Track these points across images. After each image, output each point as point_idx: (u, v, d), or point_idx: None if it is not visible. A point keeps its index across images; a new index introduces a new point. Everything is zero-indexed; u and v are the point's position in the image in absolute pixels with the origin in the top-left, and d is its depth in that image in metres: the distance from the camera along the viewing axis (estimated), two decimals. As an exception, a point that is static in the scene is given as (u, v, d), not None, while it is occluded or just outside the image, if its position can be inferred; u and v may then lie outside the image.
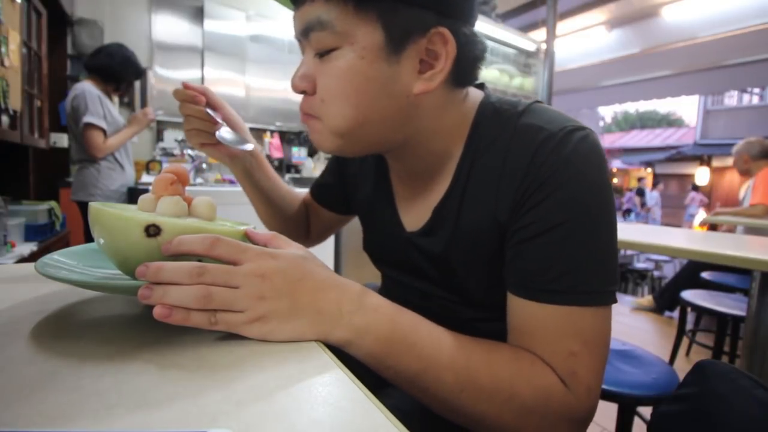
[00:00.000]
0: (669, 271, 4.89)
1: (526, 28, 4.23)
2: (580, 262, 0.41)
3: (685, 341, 2.20)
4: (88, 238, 1.57)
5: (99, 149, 1.92)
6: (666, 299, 2.90)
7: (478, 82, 0.53)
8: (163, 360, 0.30)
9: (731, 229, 2.65)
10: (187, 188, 0.42)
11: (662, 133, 16.98)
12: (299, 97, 0.49)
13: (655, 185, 11.27)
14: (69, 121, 1.97)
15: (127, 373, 0.28)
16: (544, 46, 2.90)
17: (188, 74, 3.03)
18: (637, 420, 0.95)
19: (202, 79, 3.05)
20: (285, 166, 3.37)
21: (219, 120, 0.61)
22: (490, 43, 2.84)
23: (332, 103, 0.45)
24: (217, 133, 0.60)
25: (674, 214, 11.76)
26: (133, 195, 2.11)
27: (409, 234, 0.56)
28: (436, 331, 0.41)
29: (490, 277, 0.49)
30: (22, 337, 0.33)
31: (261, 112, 3.32)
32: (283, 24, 3.39)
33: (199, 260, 0.34)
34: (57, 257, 0.41)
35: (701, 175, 11.74)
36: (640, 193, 10.88)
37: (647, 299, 3.08)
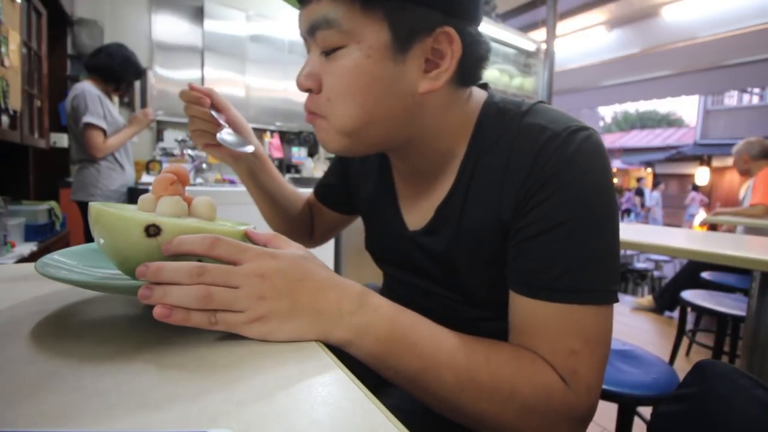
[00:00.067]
0: (669, 271, 4.89)
1: (526, 28, 4.23)
2: (582, 260, 0.41)
3: (685, 341, 2.20)
4: (88, 238, 1.57)
5: (99, 149, 1.92)
6: (666, 299, 2.90)
7: (480, 82, 0.53)
8: (163, 360, 0.30)
9: (731, 229, 2.65)
10: (187, 188, 0.42)
11: (662, 133, 16.98)
12: (299, 97, 0.49)
13: (655, 185, 11.25)
14: (69, 121, 1.97)
15: (128, 373, 0.28)
16: (544, 46, 2.90)
17: (188, 74, 3.03)
18: (637, 420, 0.95)
19: (202, 79, 3.05)
20: (285, 166, 3.37)
21: (222, 122, 0.61)
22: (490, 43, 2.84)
23: (338, 102, 0.45)
24: (217, 135, 0.60)
25: (674, 214, 11.76)
26: (133, 195, 2.11)
27: (411, 233, 0.56)
28: (437, 331, 0.41)
29: (493, 277, 0.49)
30: (22, 337, 0.33)
31: (261, 112, 3.32)
32: (283, 24, 3.39)
33: (199, 260, 0.34)
34: (57, 257, 0.41)
35: (701, 175, 11.74)
36: (639, 193, 10.88)
37: (647, 299, 3.08)
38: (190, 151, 2.72)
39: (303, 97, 0.50)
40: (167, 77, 2.93)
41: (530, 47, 3.12)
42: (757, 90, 12.32)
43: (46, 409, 0.24)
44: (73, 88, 1.94)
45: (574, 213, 0.42)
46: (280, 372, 0.29)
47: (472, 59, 0.47)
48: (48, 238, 1.75)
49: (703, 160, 12.48)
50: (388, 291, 0.66)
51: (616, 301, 0.43)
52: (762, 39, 4.91)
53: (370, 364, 0.38)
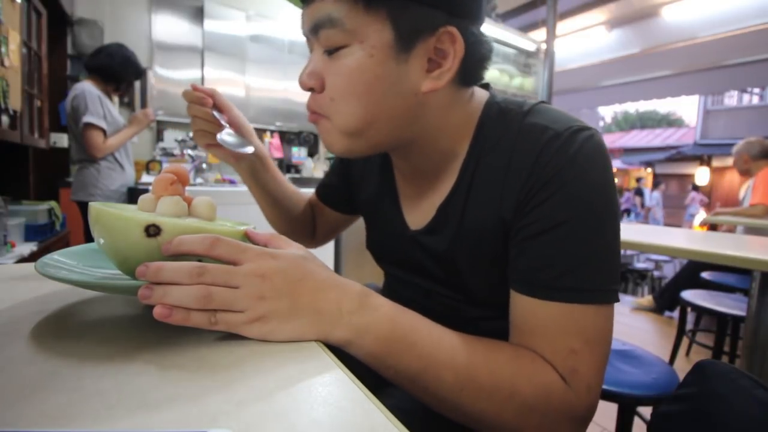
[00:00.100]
0: (669, 271, 4.90)
1: (526, 28, 4.23)
2: (583, 260, 0.41)
3: (685, 341, 2.20)
4: (88, 238, 1.57)
5: (99, 149, 1.92)
6: (666, 299, 2.90)
7: (482, 82, 0.53)
8: (163, 360, 0.30)
9: (731, 229, 2.65)
10: (187, 188, 0.42)
11: (662, 133, 16.98)
12: (299, 97, 0.49)
13: (655, 185, 11.26)
14: (69, 121, 1.97)
15: (128, 374, 0.28)
16: (544, 46, 2.90)
17: (188, 74, 3.03)
18: (637, 420, 0.95)
19: (202, 79, 3.05)
20: (285, 166, 3.37)
21: (223, 122, 0.62)
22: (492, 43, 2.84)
23: (341, 102, 0.45)
24: (218, 135, 0.61)
25: (674, 214, 11.76)
26: (133, 195, 2.11)
27: (413, 232, 0.56)
28: (437, 330, 0.41)
29: (494, 276, 0.49)
30: (22, 337, 0.33)
31: (261, 112, 3.32)
32: (283, 24, 3.39)
33: (199, 260, 0.34)
34: (57, 257, 0.41)
35: (701, 175, 11.74)
36: (639, 193, 10.88)
37: (647, 299, 3.08)
38: (190, 151, 2.72)
39: (303, 97, 0.50)
40: (167, 77, 2.93)
41: (530, 47, 3.12)
42: (757, 90, 12.32)
43: (47, 409, 0.24)
44: (73, 88, 1.94)
45: (575, 212, 0.42)
46: (280, 372, 0.29)
47: (475, 59, 0.47)
48: (48, 238, 1.75)
49: (703, 160, 12.47)
50: (389, 291, 0.66)
51: (617, 300, 0.43)
52: (762, 39, 4.91)
53: (370, 364, 0.38)
